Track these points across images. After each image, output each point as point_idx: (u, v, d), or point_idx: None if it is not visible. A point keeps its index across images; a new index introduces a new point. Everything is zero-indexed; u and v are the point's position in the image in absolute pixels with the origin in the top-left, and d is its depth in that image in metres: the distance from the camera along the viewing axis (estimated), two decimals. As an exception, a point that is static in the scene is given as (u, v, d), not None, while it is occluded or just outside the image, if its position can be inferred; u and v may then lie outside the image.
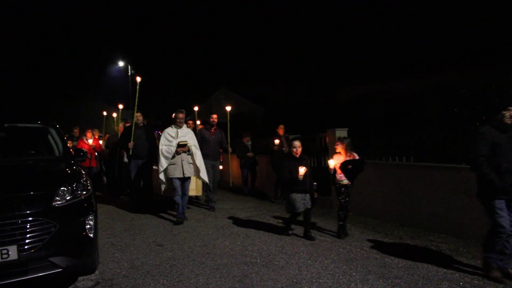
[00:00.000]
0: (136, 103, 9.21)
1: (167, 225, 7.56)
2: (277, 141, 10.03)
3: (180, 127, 7.93)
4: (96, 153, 12.13)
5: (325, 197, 9.14)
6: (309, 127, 14.54)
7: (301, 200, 6.29)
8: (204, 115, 10.55)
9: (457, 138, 6.86)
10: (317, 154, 10.01)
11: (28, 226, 3.88)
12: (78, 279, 4.70)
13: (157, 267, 5.14)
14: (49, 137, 5.87)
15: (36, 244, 3.88)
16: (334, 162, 6.50)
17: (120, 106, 12.55)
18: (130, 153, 9.02)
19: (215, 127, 9.42)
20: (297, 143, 6.45)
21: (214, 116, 9.50)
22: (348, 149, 6.54)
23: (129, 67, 28.11)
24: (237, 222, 7.76)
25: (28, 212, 3.93)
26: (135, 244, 6.27)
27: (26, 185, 4.25)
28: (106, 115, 15.76)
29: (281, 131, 10.33)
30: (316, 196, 6.56)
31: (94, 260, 4.68)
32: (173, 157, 7.73)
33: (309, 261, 5.26)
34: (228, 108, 10.80)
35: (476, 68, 16.30)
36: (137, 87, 9.30)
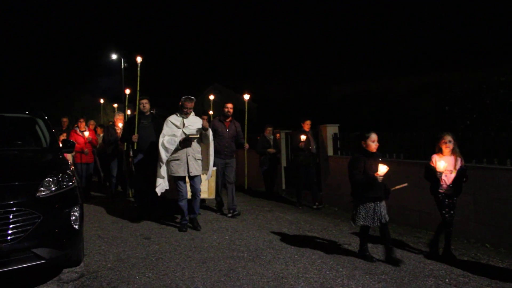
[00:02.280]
0: (138, 88, 7.66)
1: (156, 218, 7.48)
2: (303, 137, 8.53)
3: (186, 116, 6.72)
4: (92, 147, 10.22)
5: (308, 191, 9.14)
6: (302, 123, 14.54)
7: (375, 210, 5.04)
8: (196, 111, 9.56)
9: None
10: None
11: (11, 217, 3.83)
12: (63, 271, 4.66)
13: (143, 260, 5.11)
14: (37, 127, 5.81)
15: (19, 235, 3.84)
16: (444, 165, 5.14)
17: (127, 91, 10.41)
18: (135, 147, 7.43)
19: (230, 118, 7.89)
20: (374, 136, 5.13)
21: (229, 105, 7.96)
22: (456, 148, 5.25)
23: (122, 60, 27.90)
24: (226, 216, 7.73)
25: (11, 202, 3.89)
26: (122, 237, 6.22)
27: (10, 175, 4.20)
28: (103, 103, 14.33)
29: (307, 126, 8.83)
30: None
31: (79, 252, 4.66)
32: (176, 150, 6.54)
33: (296, 256, 5.25)
34: (247, 97, 9.03)
35: (468, 68, 16.42)
36: (138, 69, 7.74)
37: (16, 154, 5.04)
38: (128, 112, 10.47)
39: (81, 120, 10.13)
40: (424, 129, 9.55)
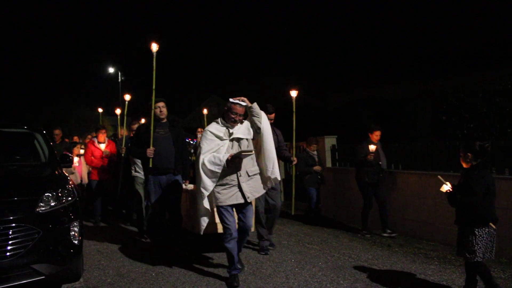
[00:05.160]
0: (153, 86, 5.79)
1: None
2: (372, 147, 6.93)
3: (232, 126, 4.78)
4: (108, 162, 8.42)
5: (304, 203, 9.05)
6: (300, 134, 14.53)
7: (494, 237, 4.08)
8: (194, 123, 8.29)
9: (444, 146, 6.89)
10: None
11: (10, 233, 3.83)
12: (62, 286, 4.63)
13: (143, 275, 5.07)
14: (35, 142, 5.80)
15: (19, 251, 3.83)
16: None
17: (127, 97, 8.62)
18: (150, 164, 5.68)
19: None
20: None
21: (271, 115, 5.98)
22: None
23: (119, 73, 28.02)
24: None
25: (11, 218, 3.88)
26: (121, 251, 6.19)
27: (9, 190, 4.19)
28: (102, 112, 12.19)
29: (375, 137, 7.25)
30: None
31: (79, 267, 4.61)
32: (225, 173, 4.63)
33: (296, 269, 5.22)
34: (294, 93, 6.65)
35: (465, 76, 16.54)
36: (154, 60, 5.86)
37: (15, 169, 5.03)
38: (142, 121, 8.89)
39: (102, 130, 8.57)
40: (421, 139, 9.60)
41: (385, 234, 7.04)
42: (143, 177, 7.02)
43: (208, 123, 8.56)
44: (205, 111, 10.22)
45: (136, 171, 7.33)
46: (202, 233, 4.93)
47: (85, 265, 5.24)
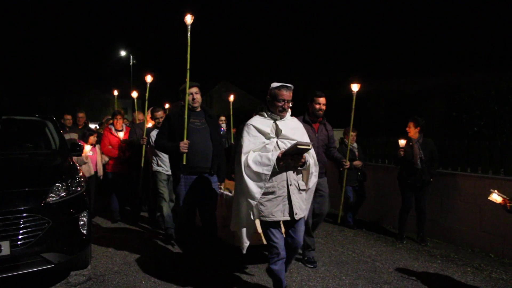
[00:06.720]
0: (188, 66, 4.89)
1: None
2: (402, 142, 6.28)
3: (282, 116, 3.98)
4: (128, 153, 7.39)
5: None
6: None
7: None
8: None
9: (453, 144, 6.86)
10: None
11: (21, 222, 3.92)
12: (70, 273, 4.76)
13: (149, 264, 5.17)
14: (46, 130, 5.90)
15: (29, 240, 3.93)
16: None
17: (149, 79, 7.17)
18: (184, 161, 4.68)
19: (320, 118, 5.34)
20: None
21: (321, 99, 5.27)
22: None
23: (131, 57, 28.07)
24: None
25: (22, 208, 3.98)
26: (129, 240, 6.30)
27: (21, 181, 4.28)
28: (117, 95, 11.00)
29: (412, 132, 6.42)
30: None
31: (87, 256, 4.76)
32: (271, 176, 3.71)
33: (300, 263, 5.29)
34: (355, 87, 5.92)
35: (478, 72, 16.33)
36: (188, 34, 4.89)
37: (26, 158, 5.13)
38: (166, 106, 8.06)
39: (119, 116, 7.55)
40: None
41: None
42: (166, 172, 6.29)
43: (225, 109, 8.55)
44: (231, 97, 9.15)
45: (158, 164, 6.40)
46: (245, 251, 4.09)
47: (93, 253, 5.37)
